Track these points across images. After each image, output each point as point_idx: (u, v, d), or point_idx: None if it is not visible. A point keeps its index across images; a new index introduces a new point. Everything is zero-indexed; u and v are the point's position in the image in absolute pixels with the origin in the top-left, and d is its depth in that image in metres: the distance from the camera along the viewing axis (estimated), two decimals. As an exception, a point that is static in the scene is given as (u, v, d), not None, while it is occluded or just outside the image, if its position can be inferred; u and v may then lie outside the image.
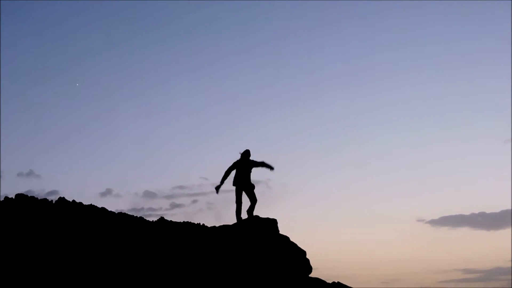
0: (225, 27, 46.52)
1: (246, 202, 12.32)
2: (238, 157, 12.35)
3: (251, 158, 12.35)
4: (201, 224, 12.39)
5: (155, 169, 41.33)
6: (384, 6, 44.05)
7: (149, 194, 35.95)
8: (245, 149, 12.36)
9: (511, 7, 37.42)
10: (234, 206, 12.14)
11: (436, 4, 43.36)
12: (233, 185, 12.21)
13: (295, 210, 36.68)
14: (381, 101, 45.14)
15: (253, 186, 12.22)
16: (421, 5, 43.38)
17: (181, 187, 36.54)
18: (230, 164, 12.29)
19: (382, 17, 44.72)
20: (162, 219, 12.13)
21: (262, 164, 12.35)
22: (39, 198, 11.14)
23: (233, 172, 12.31)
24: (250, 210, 12.20)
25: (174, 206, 34.24)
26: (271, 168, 12.35)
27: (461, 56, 44.81)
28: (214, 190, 12.08)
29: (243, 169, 12.20)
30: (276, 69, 46.80)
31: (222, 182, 12.11)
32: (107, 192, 34.95)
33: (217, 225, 12.27)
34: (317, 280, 12.33)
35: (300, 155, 42.66)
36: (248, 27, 46.55)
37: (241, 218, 12.10)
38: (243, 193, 12.17)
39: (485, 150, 41.96)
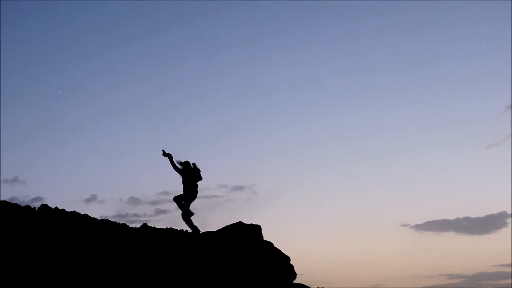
0: (201, 45, 46.54)
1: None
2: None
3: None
4: (184, 230, 12.31)
5: (140, 175, 41.09)
6: (379, 6, 44.10)
7: (133, 200, 35.80)
8: (185, 161, 12.67)
9: (511, 7, 37.69)
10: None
11: (436, 4, 43.56)
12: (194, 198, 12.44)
13: (279, 215, 36.74)
14: (364, 107, 45.37)
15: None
16: (420, 5, 43.54)
17: (165, 192, 36.35)
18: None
19: (373, 20, 44.89)
20: (145, 225, 12.01)
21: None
22: (22, 205, 10.94)
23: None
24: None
25: (159, 212, 34.06)
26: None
27: (460, 56, 44.97)
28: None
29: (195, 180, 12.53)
30: (262, 79, 46.89)
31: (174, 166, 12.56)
32: (92, 198, 34.71)
33: (200, 231, 12.19)
34: (302, 286, 12.31)
35: (285, 161, 42.76)
36: (234, 39, 46.58)
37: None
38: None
39: (469, 155, 42.36)
